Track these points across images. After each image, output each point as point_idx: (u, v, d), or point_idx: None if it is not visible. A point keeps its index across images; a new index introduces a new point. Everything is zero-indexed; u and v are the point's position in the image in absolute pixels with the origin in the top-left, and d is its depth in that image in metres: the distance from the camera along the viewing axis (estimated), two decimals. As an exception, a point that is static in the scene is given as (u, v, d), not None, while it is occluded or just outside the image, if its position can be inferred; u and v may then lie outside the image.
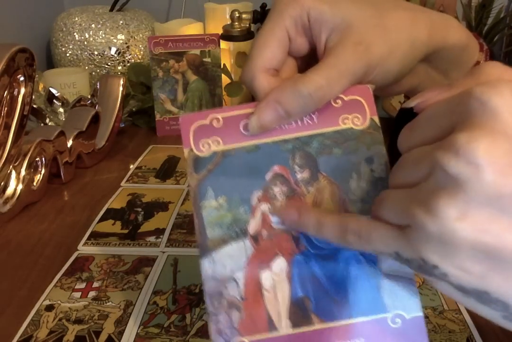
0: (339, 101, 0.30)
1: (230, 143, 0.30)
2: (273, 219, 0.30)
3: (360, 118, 0.30)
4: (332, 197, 0.30)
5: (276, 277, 0.29)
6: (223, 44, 0.92)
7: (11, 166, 0.59)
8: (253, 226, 0.30)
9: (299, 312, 0.29)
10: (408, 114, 0.39)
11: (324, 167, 0.30)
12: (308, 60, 0.33)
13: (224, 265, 0.29)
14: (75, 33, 0.97)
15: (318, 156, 0.30)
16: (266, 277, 0.29)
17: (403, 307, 0.28)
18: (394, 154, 0.29)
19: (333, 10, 0.30)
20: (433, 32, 0.31)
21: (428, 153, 0.22)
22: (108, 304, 0.45)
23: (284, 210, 0.29)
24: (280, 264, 0.29)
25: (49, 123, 0.78)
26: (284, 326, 0.29)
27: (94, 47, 0.97)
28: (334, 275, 0.29)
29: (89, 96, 0.80)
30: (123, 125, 0.86)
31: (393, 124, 0.41)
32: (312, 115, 0.30)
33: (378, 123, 0.30)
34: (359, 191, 0.29)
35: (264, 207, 0.30)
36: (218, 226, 0.29)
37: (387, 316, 0.28)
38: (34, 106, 0.76)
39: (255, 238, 0.30)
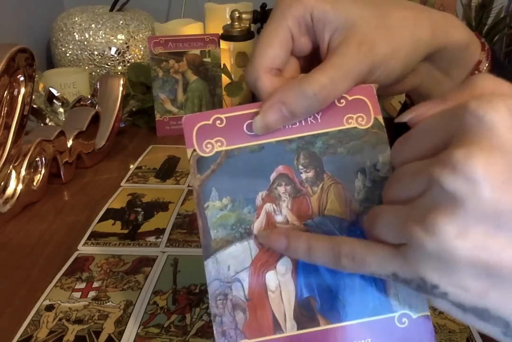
0: (343, 101, 0.30)
1: (234, 143, 0.29)
2: (278, 219, 0.30)
3: (365, 118, 0.30)
4: (337, 197, 0.29)
5: (281, 277, 0.29)
6: (223, 44, 0.92)
7: (11, 166, 0.59)
8: (257, 226, 0.29)
9: (305, 313, 0.28)
10: (402, 128, 0.39)
11: (329, 167, 0.30)
12: (311, 59, 0.33)
13: (228, 265, 0.29)
14: (75, 33, 0.97)
15: (323, 156, 0.30)
16: (271, 278, 0.29)
17: (409, 307, 0.28)
18: None
19: (336, 10, 0.30)
20: (436, 31, 0.31)
21: (424, 169, 0.22)
22: (108, 304, 0.45)
23: (272, 236, 0.28)
24: (285, 265, 0.29)
25: (49, 123, 0.78)
26: (290, 327, 0.28)
27: (94, 47, 0.97)
28: (339, 276, 0.29)
29: (89, 96, 0.80)
30: (123, 125, 0.86)
31: (393, 125, 0.41)
32: (316, 115, 0.30)
33: (382, 123, 0.30)
34: (365, 191, 0.29)
35: (269, 207, 0.30)
36: (222, 227, 0.29)
37: (394, 316, 0.28)
38: (34, 106, 0.76)
39: None
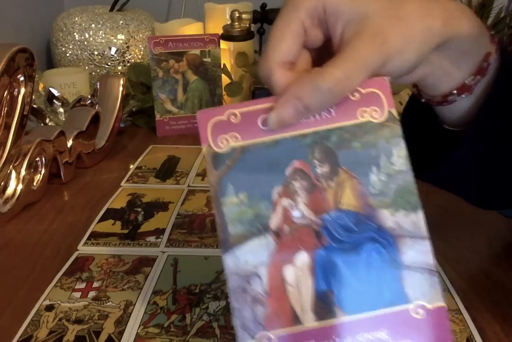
0: (356, 94, 0.29)
1: (249, 138, 0.29)
2: (294, 214, 0.30)
3: (378, 111, 0.30)
4: (353, 191, 0.30)
5: (299, 271, 0.29)
6: (223, 44, 0.92)
7: (11, 166, 0.59)
8: (274, 221, 0.30)
9: (323, 305, 0.29)
10: (417, 103, 0.39)
11: (344, 161, 0.30)
12: (321, 51, 0.33)
13: (247, 260, 0.29)
14: (75, 33, 0.97)
15: (338, 151, 0.30)
16: (289, 272, 0.29)
17: (424, 298, 0.29)
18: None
19: (349, 2, 0.29)
20: (447, 22, 0.31)
21: None
22: (108, 304, 0.45)
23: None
24: (302, 259, 0.29)
25: (49, 123, 0.78)
26: (308, 320, 0.29)
27: (94, 47, 0.97)
28: (356, 268, 0.29)
29: (89, 96, 0.80)
30: (123, 125, 0.86)
31: (402, 114, 0.41)
32: (330, 109, 0.29)
33: (396, 116, 0.30)
34: (380, 184, 0.29)
35: (285, 202, 0.30)
36: (240, 222, 0.29)
37: (410, 307, 0.29)
38: (34, 106, 0.76)
39: (277, 233, 0.30)
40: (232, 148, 0.29)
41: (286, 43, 0.30)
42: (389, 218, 0.29)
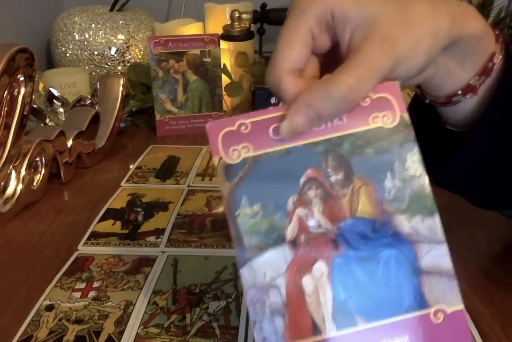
0: (367, 100, 0.29)
1: (260, 149, 0.29)
2: (310, 223, 0.29)
3: (390, 116, 0.29)
4: (368, 198, 0.29)
5: (317, 281, 0.29)
6: (223, 44, 0.92)
7: (11, 166, 0.59)
8: (290, 231, 0.29)
9: (343, 314, 0.29)
10: (420, 103, 0.39)
11: (358, 168, 0.29)
12: (328, 56, 0.32)
13: (264, 272, 0.29)
14: (75, 33, 0.97)
15: (351, 158, 0.29)
16: (307, 282, 0.29)
17: (444, 302, 0.29)
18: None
19: (357, 7, 0.29)
20: (455, 23, 0.30)
21: None
22: (108, 304, 0.45)
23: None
24: (320, 268, 0.29)
25: (49, 123, 0.78)
26: (329, 329, 0.28)
27: (94, 47, 0.97)
28: (374, 275, 0.29)
29: (89, 96, 0.80)
30: (123, 125, 0.86)
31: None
32: (342, 116, 0.29)
33: (409, 121, 0.29)
34: (395, 190, 0.29)
35: (300, 211, 0.29)
36: (255, 234, 0.29)
37: (429, 312, 0.29)
38: (34, 106, 0.76)
39: (294, 243, 0.29)
40: (244, 159, 0.29)
41: (295, 50, 0.30)
42: (405, 224, 0.29)
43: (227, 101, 0.94)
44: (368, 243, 0.29)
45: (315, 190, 0.29)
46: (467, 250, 0.54)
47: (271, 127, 0.29)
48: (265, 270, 0.29)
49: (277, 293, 0.29)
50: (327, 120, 0.29)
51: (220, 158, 0.29)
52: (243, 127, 0.29)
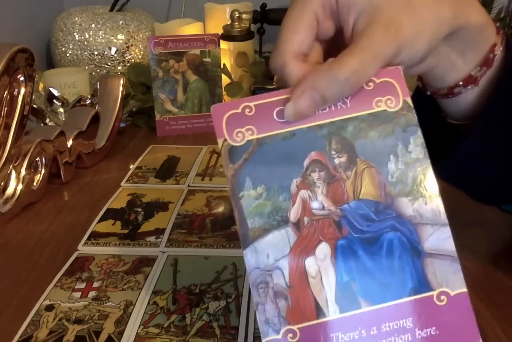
0: (371, 84, 0.30)
1: (265, 131, 0.29)
2: (314, 205, 0.30)
3: (393, 100, 0.30)
4: (371, 180, 0.30)
5: (320, 263, 0.29)
6: (223, 44, 0.92)
7: (11, 166, 0.59)
8: (294, 213, 0.30)
9: (346, 296, 0.29)
10: (421, 96, 0.39)
11: (362, 151, 0.30)
12: (331, 43, 0.33)
13: (268, 254, 0.29)
14: (75, 33, 0.97)
15: (355, 141, 0.30)
16: (310, 264, 0.29)
17: (447, 284, 0.29)
18: None
19: None
20: (456, 11, 0.31)
21: None
22: (108, 304, 0.45)
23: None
24: (323, 250, 0.29)
25: (49, 123, 0.78)
26: (332, 311, 0.29)
27: (94, 47, 0.97)
28: (378, 258, 0.29)
29: (89, 96, 0.80)
30: (123, 125, 0.86)
31: None
32: (345, 99, 0.29)
33: (411, 105, 0.30)
34: (398, 173, 0.29)
35: (304, 193, 0.30)
36: (259, 215, 0.29)
37: (433, 294, 0.29)
38: (34, 106, 0.76)
39: (297, 225, 0.30)
40: (248, 141, 0.29)
41: (300, 35, 0.30)
42: (408, 206, 0.29)
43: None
44: (371, 225, 0.29)
45: (318, 172, 0.30)
46: (467, 250, 0.54)
47: (276, 110, 0.29)
48: (268, 251, 0.29)
49: (281, 274, 0.29)
50: (331, 102, 0.29)
51: (225, 140, 0.29)
52: (247, 110, 0.29)
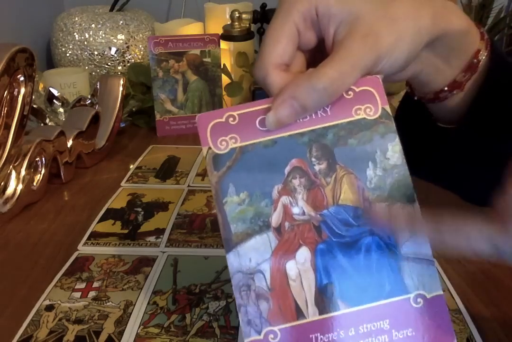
0: (350, 92, 0.30)
1: (247, 139, 0.30)
2: (295, 211, 0.30)
3: (372, 109, 0.30)
4: (350, 186, 0.30)
5: (301, 266, 0.30)
6: (223, 44, 0.92)
7: (11, 166, 0.59)
8: (275, 218, 0.30)
9: (325, 299, 0.30)
10: (412, 100, 0.39)
11: (341, 158, 0.30)
12: (315, 53, 0.33)
13: (250, 258, 0.30)
14: (75, 33, 0.97)
15: (334, 148, 0.30)
16: (291, 267, 0.30)
17: (423, 287, 0.30)
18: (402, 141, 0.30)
19: (341, 4, 0.30)
20: (437, 19, 0.31)
21: None
22: (108, 304, 0.45)
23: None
24: (304, 254, 0.30)
25: (49, 123, 0.78)
26: (312, 313, 0.29)
27: (94, 47, 0.97)
28: (356, 261, 0.30)
29: (89, 96, 0.80)
30: (123, 125, 0.86)
31: (396, 111, 0.42)
32: (326, 108, 0.30)
33: (390, 113, 0.30)
34: (376, 179, 0.30)
35: (285, 199, 0.30)
36: (242, 221, 0.30)
37: (409, 297, 0.30)
38: (34, 106, 0.76)
39: (278, 230, 0.30)
40: (232, 149, 0.30)
41: (281, 46, 0.31)
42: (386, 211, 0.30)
43: (227, 101, 0.94)
44: (350, 230, 0.30)
45: (299, 179, 0.31)
46: (467, 250, 0.54)
47: (258, 119, 0.30)
48: (250, 255, 0.30)
49: (262, 277, 0.30)
50: (311, 111, 0.30)
51: (209, 148, 0.30)
52: (231, 119, 0.30)
